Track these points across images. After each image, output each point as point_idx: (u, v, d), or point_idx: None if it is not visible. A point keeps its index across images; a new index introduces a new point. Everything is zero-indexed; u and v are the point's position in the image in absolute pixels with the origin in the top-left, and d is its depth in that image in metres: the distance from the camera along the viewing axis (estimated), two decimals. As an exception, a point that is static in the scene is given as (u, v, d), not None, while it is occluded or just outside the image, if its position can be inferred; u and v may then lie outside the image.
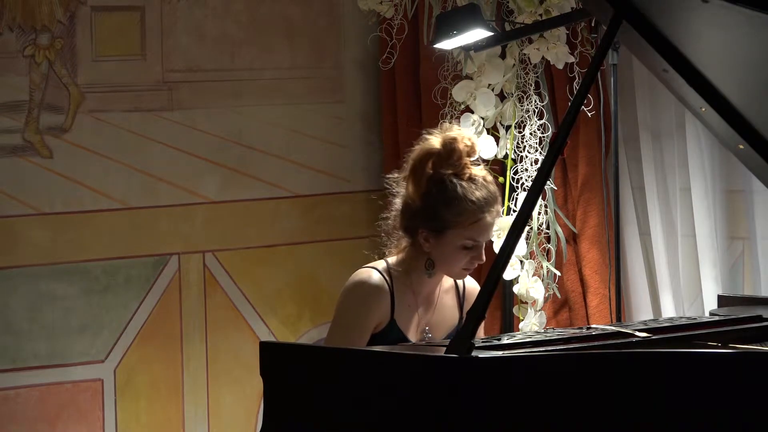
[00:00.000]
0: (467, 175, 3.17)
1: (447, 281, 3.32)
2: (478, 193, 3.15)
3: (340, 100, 4.77)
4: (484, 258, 3.19)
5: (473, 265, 3.20)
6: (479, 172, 3.20)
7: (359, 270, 3.24)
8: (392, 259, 3.25)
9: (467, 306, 3.32)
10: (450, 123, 3.26)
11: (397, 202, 3.25)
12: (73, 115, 4.38)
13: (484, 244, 3.18)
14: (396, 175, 3.27)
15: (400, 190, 3.24)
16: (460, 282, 3.34)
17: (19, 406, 4.32)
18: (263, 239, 4.65)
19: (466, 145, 3.18)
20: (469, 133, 3.23)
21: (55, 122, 4.36)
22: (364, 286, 3.19)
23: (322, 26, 4.73)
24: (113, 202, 4.44)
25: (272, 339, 4.61)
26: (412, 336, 3.23)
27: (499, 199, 3.22)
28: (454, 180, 3.15)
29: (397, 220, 3.23)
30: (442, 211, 3.14)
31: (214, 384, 4.57)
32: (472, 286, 3.37)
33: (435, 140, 3.19)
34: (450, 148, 3.16)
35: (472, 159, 3.20)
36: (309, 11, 4.70)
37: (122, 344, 4.45)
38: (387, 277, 3.20)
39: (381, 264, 3.24)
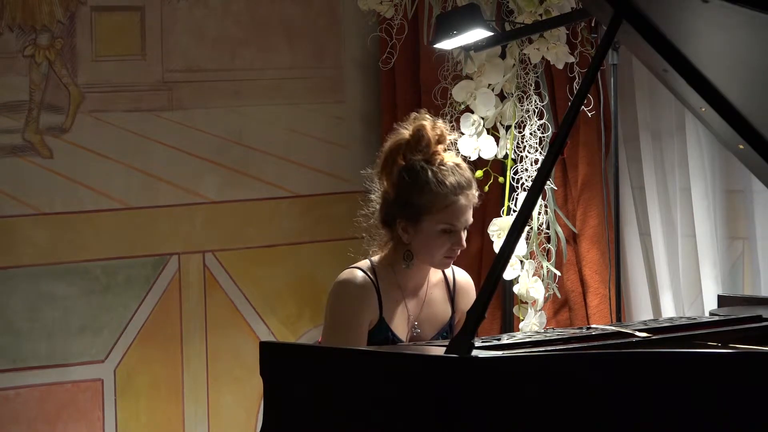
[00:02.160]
0: (438, 161, 3.18)
1: (435, 275, 3.31)
2: (450, 177, 3.16)
3: (340, 100, 4.77)
4: (464, 243, 3.19)
5: (455, 252, 3.19)
6: (451, 158, 3.21)
7: (343, 272, 3.24)
8: (376, 257, 3.25)
9: (458, 299, 3.32)
10: (421, 113, 3.26)
11: (374, 199, 3.26)
12: (73, 115, 4.38)
13: (463, 230, 3.18)
14: (370, 171, 3.28)
15: (377, 186, 3.25)
16: (449, 275, 3.33)
17: (19, 406, 4.31)
18: (263, 239, 4.65)
19: (435, 132, 3.19)
20: (440, 122, 3.24)
21: (55, 122, 4.36)
22: (350, 286, 3.19)
23: (322, 26, 4.73)
24: (113, 202, 4.44)
25: (272, 339, 4.61)
26: (401, 333, 3.22)
27: (474, 183, 3.21)
28: (425, 165, 3.17)
29: (377, 216, 3.24)
30: (415, 197, 3.15)
31: (214, 384, 4.57)
32: (462, 278, 3.36)
33: (405, 131, 3.22)
34: (419, 135, 3.18)
35: (443, 146, 3.21)
36: (309, 11, 4.70)
37: (122, 344, 4.45)
38: (371, 276, 3.20)
39: (365, 263, 3.24)
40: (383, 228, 3.23)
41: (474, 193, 3.20)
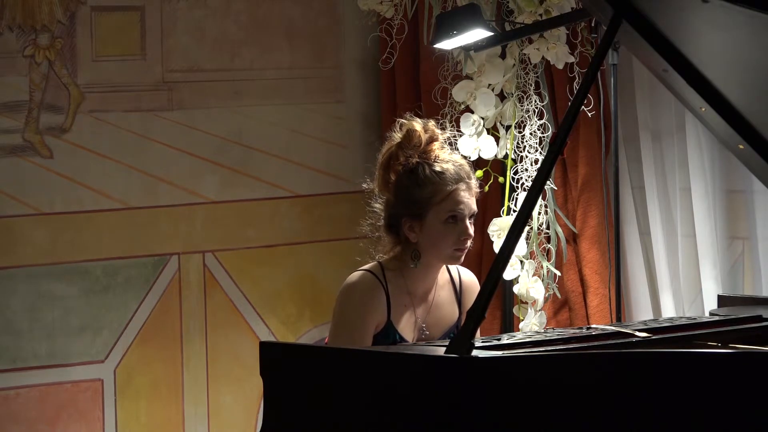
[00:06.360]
0: (433, 157, 3.22)
1: (442, 277, 3.32)
2: (446, 166, 3.21)
3: (340, 100, 4.77)
4: (471, 233, 3.20)
5: (464, 244, 3.20)
6: (446, 154, 3.25)
7: (353, 273, 3.24)
8: (385, 261, 3.26)
9: (464, 299, 3.33)
10: (407, 117, 3.29)
11: (378, 208, 3.28)
12: (73, 115, 4.38)
13: (469, 218, 3.20)
14: (370, 183, 3.30)
15: (379, 198, 3.28)
16: (455, 276, 3.34)
17: (19, 406, 4.31)
18: (263, 239, 4.65)
19: (425, 131, 3.24)
20: (431, 123, 3.28)
21: (55, 122, 4.36)
22: (359, 289, 3.20)
23: (322, 26, 4.73)
24: (113, 202, 4.44)
25: (272, 339, 4.61)
26: (408, 336, 3.23)
27: (472, 174, 3.25)
28: (421, 162, 3.21)
29: (382, 224, 3.26)
30: (416, 193, 3.19)
31: (214, 384, 4.57)
32: (468, 279, 3.37)
33: (396, 135, 3.25)
34: (409, 134, 3.22)
35: (437, 144, 3.25)
36: (309, 11, 4.70)
37: (122, 344, 4.45)
38: (381, 279, 3.21)
39: (374, 266, 3.25)
40: (389, 234, 3.25)
41: (474, 182, 3.24)
